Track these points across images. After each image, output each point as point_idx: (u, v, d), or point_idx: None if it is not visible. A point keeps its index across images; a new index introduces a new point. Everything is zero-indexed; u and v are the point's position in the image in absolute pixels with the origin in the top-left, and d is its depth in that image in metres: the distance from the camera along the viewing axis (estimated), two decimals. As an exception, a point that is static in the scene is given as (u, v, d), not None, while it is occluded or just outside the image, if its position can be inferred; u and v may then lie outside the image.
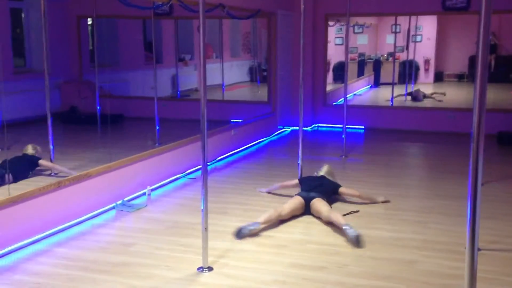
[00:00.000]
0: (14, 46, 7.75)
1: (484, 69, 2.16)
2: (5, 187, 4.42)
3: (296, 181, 5.40)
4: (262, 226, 4.42)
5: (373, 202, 5.19)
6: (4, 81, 5.25)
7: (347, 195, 5.21)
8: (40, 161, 5.24)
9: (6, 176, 4.67)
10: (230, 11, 7.11)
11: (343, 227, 4.24)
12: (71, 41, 8.84)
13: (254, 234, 4.33)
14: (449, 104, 11.00)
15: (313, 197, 4.81)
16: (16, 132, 5.21)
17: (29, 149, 5.39)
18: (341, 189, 5.19)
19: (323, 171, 5.39)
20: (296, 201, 4.78)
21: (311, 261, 3.84)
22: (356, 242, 4.10)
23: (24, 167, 5.17)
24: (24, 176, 5.08)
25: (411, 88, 12.27)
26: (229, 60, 11.34)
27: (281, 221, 4.65)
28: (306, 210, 4.80)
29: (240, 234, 4.29)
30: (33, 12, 7.79)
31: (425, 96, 11.61)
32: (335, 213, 4.56)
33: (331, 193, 5.15)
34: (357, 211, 4.93)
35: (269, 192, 5.49)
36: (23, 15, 7.96)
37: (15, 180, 4.88)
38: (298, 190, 5.14)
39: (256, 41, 11.60)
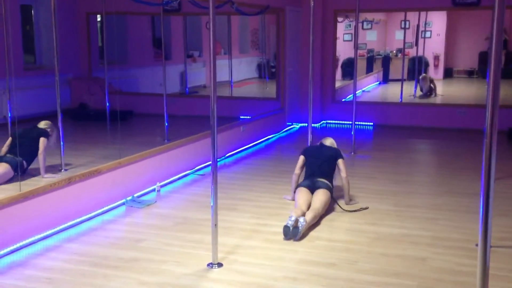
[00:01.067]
0: (25, 43, 7.80)
1: (497, 65, 2.14)
2: (16, 183, 4.45)
3: (301, 159, 5.18)
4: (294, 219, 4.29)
5: (346, 197, 5.04)
6: (15, 77, 5.28)
7: (339, 169, 5.04)
8: (42, 139, 5.16)
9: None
10: (239, 7, 7.10)
11: (300, 219, 4.21)
12: (80, 38, 8.88)
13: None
14: (459, 100, 10.93)
15: (319, 187, 4.79)
16: (25, 128, 5.23)
17: (42, 124, 5.35)
18: (340, 161, 5.04)
19: (327, 142, 5.27)
20: (305, 196, 4.75)
21: (321, 258, 3.83)
22: (290, 233, 4.12)
23: (33, 141, 5.15)
24: (33, 151, 5.11)
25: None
26: (238, 57, 11.34)
27: (288, 217, 4.65)
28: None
29: (289, 234, 4.17)
30: (43, 9, 7.83)
31: (431, 81, 11.48)
32: (316, 213, 4.48)
33: (333, 163, 5.02)
34: (366, 208, 4.91)
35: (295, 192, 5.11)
36: (33, 12, 8.00)
37: (25, 155, 4.95)
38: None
39: (265, 37, 11.58)
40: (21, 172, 4.83)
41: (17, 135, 5.02)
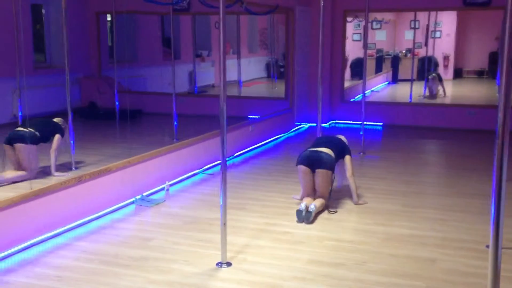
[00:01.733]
0: (35, 42, 7.84)
1: (509, 66, 2.13)
2: (27, 182, 4.48)
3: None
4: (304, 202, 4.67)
5: (354, 197, 5.04)
6: (25, 76, 5.32)
7: (345, 166, 4.99)
8: (57, 136, 5.23)
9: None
10: (248, 7, 7.10)
11: (310, 206, 4.54)
12: (90, 37, 8.92)
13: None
14: (469, 101, 10.87)
15: (319, 166, 4.73)
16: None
17: (59, 120, 5.44)
18: (347, 157, 4.99)
19: (339, 136, 5.26)
20: (306, 178, 4.81)
21: (329, 258, 3.83)
22: (303, 216, 4.49)
23: (49, 129, 5.24)
24: (46, 138, 5.17)
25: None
26: (246, 56, 11.35)
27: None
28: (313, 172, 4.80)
29: (302, 217, 4.53)
30: (53, 8, 7.87)
31: (440, 81, 11.44)
32: (323, 200, 4.74)
33: (340, 151, 4.97)
34: (335, 212, 4.81)
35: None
36: (43, 12, 8.04)
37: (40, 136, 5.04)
38: None
39: (273, 37, 11.58)
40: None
41: (33, 123, 5.08)
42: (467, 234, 4.29)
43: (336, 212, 4.84)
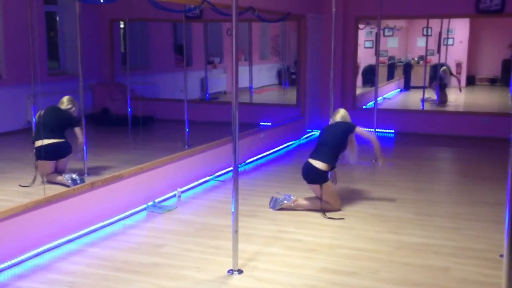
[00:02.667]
0: (49, 49, 7.92)
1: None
2: (41, 186, 4.52)
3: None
4: (294, 204, 5.03)
5: (376, 154, 5.27)
6: (39, 82, 5.36)
7: (363, 135, 5.17)
8: (76, 130, 5.27)
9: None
10: (260, 14, 7.12)
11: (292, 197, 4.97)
12: (103, 44, 8.99)
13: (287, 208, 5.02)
14: (482, 109, 10.80)
15: (308, 181, 5.04)
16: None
17: (64, 103, 5.34)
18: (358, 129, 5.13)
19: (337, 116, 5.28)
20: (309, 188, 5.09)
21: (341, 266, 3.81)
22: (273, 203, 5.04)
23: (59, 125, 5.25)
24: (61, 135, 5.20)
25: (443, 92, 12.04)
26: (258, 63, 11.36)
27: (309, 223, 4.67)
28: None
29: (275, 205, 5.04)
30: (67, 15, 7.95)
31: (451, 73, 11.45)
32: (316, 201, 5.00)
33: (343, 138, 5.06)
34: (342, 219, 4.86)
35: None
36: (57, 19, 8.12)
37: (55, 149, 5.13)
38: None
39: (285, 44, 11.59)
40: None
41: (49, 129, 5.13)
42: (480, 243, 4.25)
43: (343, 219, 4.82)
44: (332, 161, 5.01)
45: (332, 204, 4.98)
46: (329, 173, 5.11)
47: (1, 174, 5.43)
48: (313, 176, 5.00)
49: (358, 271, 3.72)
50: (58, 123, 5.25)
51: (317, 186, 4.98)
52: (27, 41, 5.37)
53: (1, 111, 6.85)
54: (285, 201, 5.07)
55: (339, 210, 5.04)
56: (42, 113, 5.18)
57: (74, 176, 4.79)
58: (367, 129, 5.31)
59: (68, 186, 4.62)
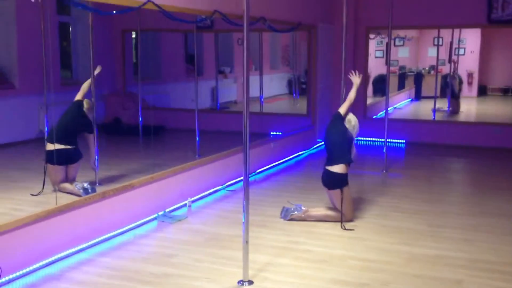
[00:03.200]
0: (62, 59, 7.99)
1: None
2: (52, 195, 4.54)
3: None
4: (304, 215, 5.02)
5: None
6: (52, 92, 5.40)
7: (347, 105, 5.22)
8: (90, 136, 5.28)
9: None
10: (271, 24, 7.14)
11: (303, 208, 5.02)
12: (115, 54, 9.06)
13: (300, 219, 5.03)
14: (494, 119, 10.72)
15: (329, 187, 5.00)
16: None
17: (84, 105, 5.35)
18: (341, 109, 5.20)
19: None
20: (326, 192, 5.11)
21: (353, 278, 3.78)
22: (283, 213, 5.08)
23: (74, 128, 5.28)
24: (73, 141, 5.23)
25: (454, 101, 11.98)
26: (269, 73, 11.38)
27: (320, 234, 4.64)
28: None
29: (285, 215, 5.06)
30: (80, 26, 8.02)
31: (461, 82, 11.45)
32: (331, 212, 5.03)
33: (343, 135, 5.06)
34: (352, 230, 4.84)
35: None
36: (70, 29, 8.20)
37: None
38: None
39: (296, 53, 11.60)
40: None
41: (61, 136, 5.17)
42: (494, 255, 4.20)
43: (353, 230, 4.79)
44: (346, 158, 4.99)
45: (345, 214, 4.94)
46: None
47: (13, 183, 5.46)
48: (333, 182, 4.96)
49: (369, 282, 3.69)
50: (75, 125, 5.27)
51: (338, 192, 4.93)
52: (40, 51, 5.42)
53: (13, 121, 6.91)
54: (295, 212, 5.05)
55: (351, 220, 5.01)
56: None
57: (85, 185, 4.81)
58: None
59: (79, 195, 4.64)
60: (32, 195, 4.91)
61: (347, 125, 5.10)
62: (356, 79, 5.36)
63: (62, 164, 5.13)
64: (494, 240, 4.56)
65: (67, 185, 5.03)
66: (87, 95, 5.37)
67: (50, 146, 5.10)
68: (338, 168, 4.94)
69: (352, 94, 5.29)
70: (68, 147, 5.16)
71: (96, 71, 5.21)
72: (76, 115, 5.30)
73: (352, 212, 5.05)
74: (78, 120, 5.31)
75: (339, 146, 5.03)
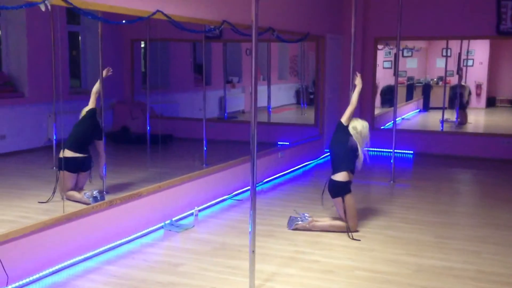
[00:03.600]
0: (71, 68, 8.05)
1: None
2: (60, 204, 4.55)
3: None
4: (309, 225, 5.03)
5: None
6: (61, 101, 5.44)
7: (349, 111, 5.19)
8: (100, 142, 5.28)
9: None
10: (280, 35, 7.17)
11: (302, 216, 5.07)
12: (124, 63, 9.12)
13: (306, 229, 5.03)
14: (503, 130, 10.66)
15: (332, 196, 5.02)
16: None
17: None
18: (343, 119, 5.18)
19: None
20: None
21: (359, 289, 3.76)
22: (289, 222, 5.11)
23: (87, 135, 5.28)
24: (87, 150, 5.26)
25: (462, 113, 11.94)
26: (277, 83, 11.40)
27: (327, 245, 4.62)
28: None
29: (291, 224, 5.06)
30: (89, 35, 8.08)
31: (470, 93, 11.51)
32: (336, 222, 5.04)
33: (344, 144, 5.03)
34: (359, 240, 4.83)
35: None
36: (80, 39, 8.26)
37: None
38: None
39: (304, 64, 11.63)
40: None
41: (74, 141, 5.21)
42: (503, 267, 4.17)
43: (359, 240, 4.78)
44: (347, 166, 4.99)
45: (350, 225, 4.93)
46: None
47: (21, 191, 5.49)
48: (335, 190, 4.99)
49: (376, 294, 3.67)
50: (90, 134, 5.30)
51: (340, 200, 4.94)
52: (49, 60, 5.46)
53: (23, 129, 6.96)
54: (300, 221, 5.04)
55: (357, 231, 4.99)
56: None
57: (94, 193, 4.83)
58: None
59: (87, 204, 4.66)
60: (41, 202, 4.93)
61: (352, 132, 5.05)
62: (359, 81, 5.35)
63: (76, 172, 5.17)
64: (502, 252, 4.52)
65: (75, 194, 5.05)
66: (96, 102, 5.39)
67: (67, 153, 5.14)
68: (339, 176, 4.96)
69: (354, 99, 5.30)
70: (83, 155, 5.20)
71: (105, 73, 5.23)
72: (90, 123, 5.33)
73: (356, 221, 5.02)
74: (92, 128, 5.34)
75: (340, 155, 5.05)
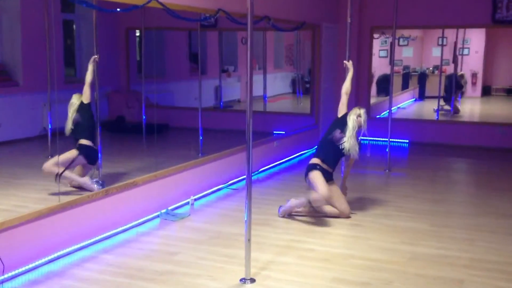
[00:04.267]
0: (65, 57, 8.01)
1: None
2: (56, 194, 4.54)
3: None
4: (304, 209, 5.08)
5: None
6: (56, 90, 5.42)
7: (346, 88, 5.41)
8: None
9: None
10: (275, 23, 7.14)
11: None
12: (119, 52, 9.08)
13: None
14: (498, 119, 10.70)
15: (327, 179, 5.07)
16: (65, 139, 5.34)
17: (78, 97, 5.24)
18: (339, 114, 5.39)
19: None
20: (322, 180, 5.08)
21: (354, 277, 3.78)
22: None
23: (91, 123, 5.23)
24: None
25: (457, 102, 11.97)
26: (272, 72, 11.38)
27: (322, 233, 4.65)
28: None
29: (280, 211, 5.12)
30: (84, 24, 8.04)
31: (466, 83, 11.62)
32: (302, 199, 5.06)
33: (325, 136, 5.28)
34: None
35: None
36: (74, 27, 8.21)
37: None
38: None
39: (299, 53, 11.60)
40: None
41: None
42: (496, 255, 4.20)
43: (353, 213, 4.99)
44: (319, 155, 5.20)
45: (314, 196, 4.93)
46: (341, 186, 5.30)
47: (17, 181, 5.49)
48: (305, 172, 5.19)
49: (371, 282, 3.69)
50: (92, 121, 5.27)
51: (308, 180, 5.10)
52: (44, 49, 5.43)
53: (18, 118, 6.94)
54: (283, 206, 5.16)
55: (349, 217, 5.04)
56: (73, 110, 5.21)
57: (96, 180, 4.86)
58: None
59: (91, 190, 4.67)
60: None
61: (349, 123, 5.14)
62: (350, 64, 5.46)
63: (87, 160, 5.14)
64: (497, 240, 4.55)
65: (78, 178, 4.99)
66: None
67: (85, 142, 5.12)
68: (311, 161, 5.21)
69: (347, 85, 5.41)
70: (96, 148, 5.15)
71: (91, 61, 5.12)
72: (92, 114, 5.27)
73: (325, 192, 4.93)
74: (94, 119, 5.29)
75: (321, 144, 5.34)
